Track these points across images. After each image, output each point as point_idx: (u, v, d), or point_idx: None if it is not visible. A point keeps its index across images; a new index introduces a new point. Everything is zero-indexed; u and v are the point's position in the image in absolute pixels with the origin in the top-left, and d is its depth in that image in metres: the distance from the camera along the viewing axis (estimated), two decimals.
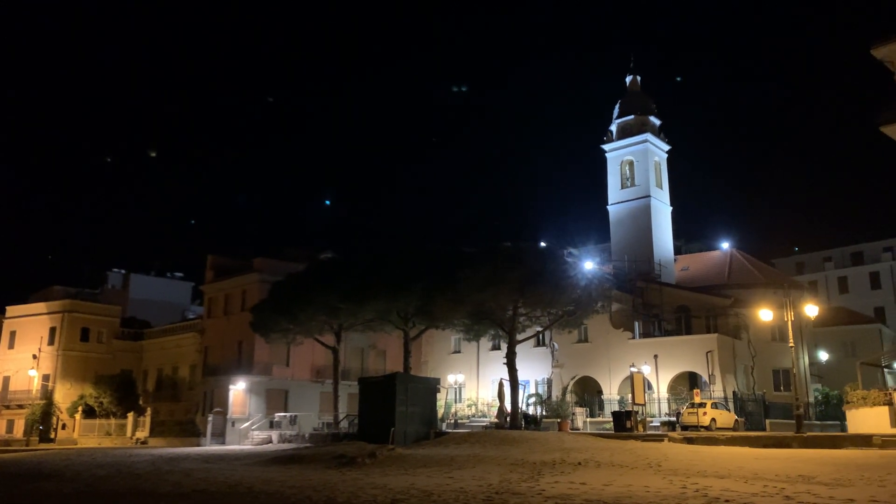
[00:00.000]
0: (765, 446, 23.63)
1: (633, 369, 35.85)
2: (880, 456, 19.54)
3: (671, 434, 27.11)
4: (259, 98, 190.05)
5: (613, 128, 57.87)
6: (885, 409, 27.31)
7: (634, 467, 18.60)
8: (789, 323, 27.26)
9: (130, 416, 53.24)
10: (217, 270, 55.66)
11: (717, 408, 32.53)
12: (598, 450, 22.75)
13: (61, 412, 56.40)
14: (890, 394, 27.80)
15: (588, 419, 39.73)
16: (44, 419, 55.45)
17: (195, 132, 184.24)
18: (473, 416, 46.68)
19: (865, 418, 27.74)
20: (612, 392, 43.09)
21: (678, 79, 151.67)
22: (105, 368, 58.80)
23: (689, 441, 25.47)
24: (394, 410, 30.14)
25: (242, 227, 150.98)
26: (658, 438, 26.29)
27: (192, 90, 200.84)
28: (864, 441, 22.70)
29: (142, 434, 51.19)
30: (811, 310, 27.77)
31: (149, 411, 53.53)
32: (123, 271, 79.50)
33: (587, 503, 12.62)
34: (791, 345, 27.69)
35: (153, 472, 21.55)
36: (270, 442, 41.06)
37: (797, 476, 15.77)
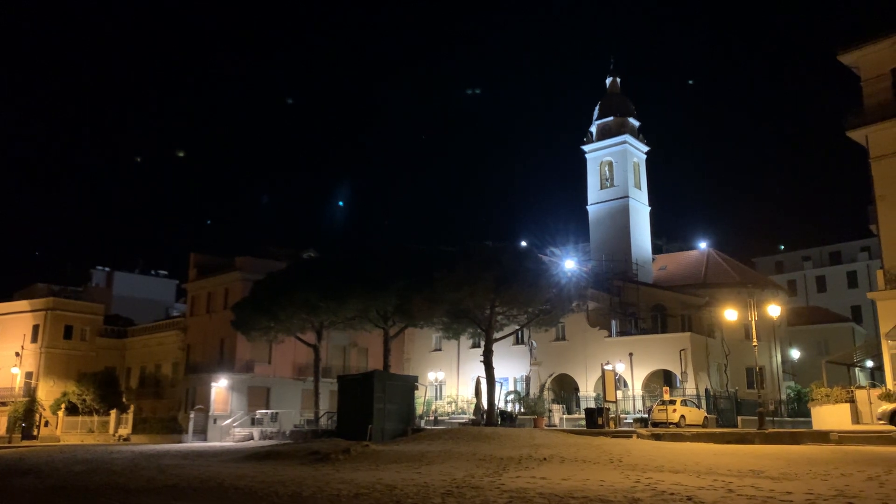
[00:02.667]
0: (728, 442, 24.29)
1: (608, 367, 36.53)
2: (832, 451, 20.24)
3: (640, 430, 27.77)
4: (243, 97, 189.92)
5: (593, 129, 58.66)
6: (847, 406, 28.11)
7: (597, 462, 19.17)
8: (752, 322, 28.02)
9: (113, 413, 53.60)
10: (200, 269, 56.01)
11: (686, 405, 33.31)
12: (566, 446, 23.32)
13: (44, 409, 56.57)
14: (852, 391, 28.62)
15: (565, 416, 40.47)
16: (26, 416, 55.58)
17: (183, 131, 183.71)
18: (454, 412, 47.35)
19: (829, 415, 28.51)
20: (588, 389, 43.85)
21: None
22: (88, 366, 59.05)
23: (657, 437, 26.10)
24: (372, 408, 30.67)
25: (232, 226, 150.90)
26: (627, 435, 26.93)
27: (181, 87, 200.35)
28: (822, 437, 23.41)
29: (124, 431, 51.57)
30: (774, 310, 28.55)
31: (132, 408, 53.93)
32: (107, 269, 79.64)
33: (540, 496, 13.15)
34: (755, 344, 28.46)
35: (130, 469, 21.97)
36: (252, 439, 41.52)
37: (748, 470, 16.33)
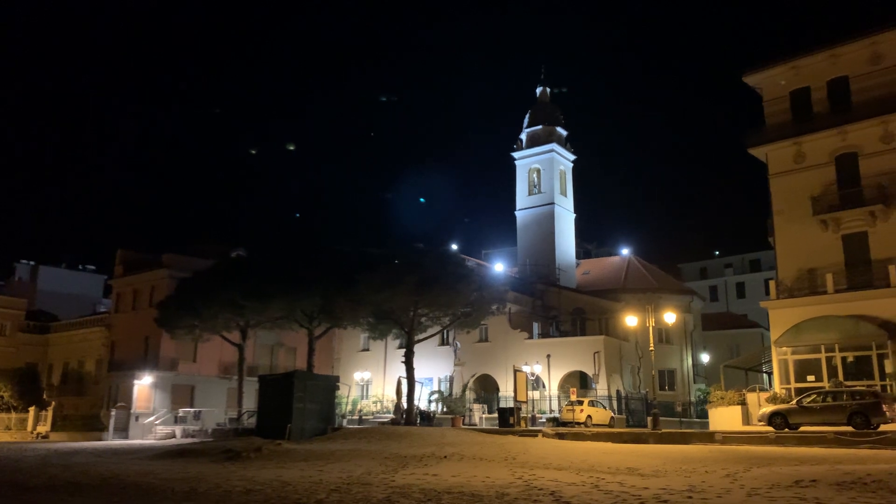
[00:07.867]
0: (624, 442, 25.67)
1: (525, 368, 37.89)
2: (711, 451, 21.72)
3: (545, 430, 29.00)
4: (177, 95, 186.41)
5: (524, 136, 60.22)
6: (739, 408, 29.95)
7: (492, 460, 20.16)
8: (650, 328, 29.61)
9: (32, 410, 52.56)
10: (126, 265, 55.47)
11: (594, 405, 34.81)
12: (471, 444, 24.35)
13: None
14: (744, 394, 30.49)
15: (485, 415, 41.62)
16: None
17: (113, 124, 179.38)
18: (378, 412, 48.10)
19: (722, 417, 30.31)
20: (508, 389, 45.01)
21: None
22: (8, 362, 57.79)
23: (560, 437, 27.31)
24: (291, 407, 31.18)
25: (161, 223, 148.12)
26: (533, 434, 28.11)
27: (113, 83, 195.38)
28: (709, 437, 24.99)
29: (43, 428, 50.69)
30: (669, 317, 30.19)
31: (52, 405, 52.99)
32: (32, 263, 77.75)
33: (421, 492, 14.01)
34: (651, 348, 30.08)
35: (38, 467, 22.09)
36: (174, 437, 41.55)
37: (625, 468, 17.45)
